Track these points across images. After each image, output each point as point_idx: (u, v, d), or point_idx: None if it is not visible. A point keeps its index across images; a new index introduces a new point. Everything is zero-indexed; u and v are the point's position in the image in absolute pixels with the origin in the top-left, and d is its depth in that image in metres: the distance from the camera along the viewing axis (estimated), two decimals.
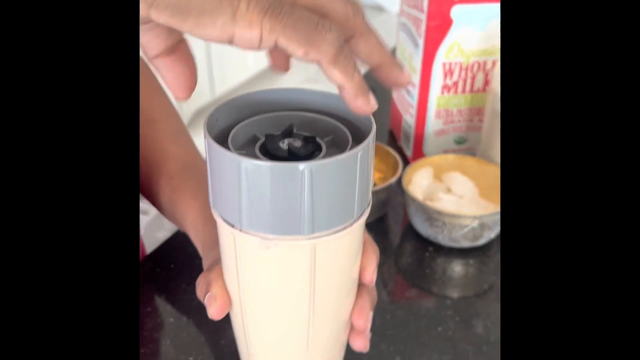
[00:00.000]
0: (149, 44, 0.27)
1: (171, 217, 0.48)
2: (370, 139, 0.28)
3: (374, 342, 0.43)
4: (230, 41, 0.24)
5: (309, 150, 0.28)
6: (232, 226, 0.29)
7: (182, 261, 0.52)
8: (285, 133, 0.30)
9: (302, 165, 0.25)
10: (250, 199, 0.27)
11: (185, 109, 1.83)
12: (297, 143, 0.29)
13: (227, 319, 0.36)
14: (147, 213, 1.64)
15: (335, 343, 0.35)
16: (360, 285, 0.34)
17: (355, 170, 0.27)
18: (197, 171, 0.48)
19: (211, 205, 0.31)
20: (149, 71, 0.55)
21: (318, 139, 0.29)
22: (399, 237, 0.57)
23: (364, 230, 0.33)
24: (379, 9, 3.19)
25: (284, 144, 0.28)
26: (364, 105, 0.27)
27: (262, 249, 0.29)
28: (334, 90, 0.28)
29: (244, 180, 0.26)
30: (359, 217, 0.30)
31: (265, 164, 0.26)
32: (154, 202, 0.50)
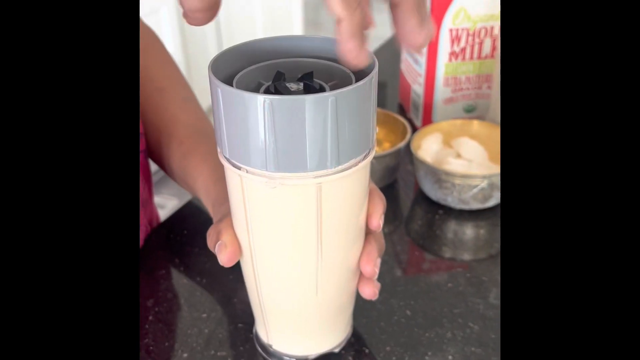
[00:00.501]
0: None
1: (182, 182, 0.48)
2: (372, 75, 0.28)
3: (383, 297, 0.44)
4: None
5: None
6: (239, 168, 0.29)
7: (195, 227, 0.53)
8: (289, 78, 0.30)
9: (306, 98, 0.26)
10: (254, 136, 0.27)
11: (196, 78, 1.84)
12: (300, 86, 0.29)
13: (239, 279, 0.36)
14: (164, 207, 1.66)
15: (345, 289, 0.35)
16: (368, 232, 0.35)
17: (355, 107, 0.27)
18: (206, 135, 0.48)
19: (218, 149, 0.31)
20: (160, 43, 0.55)
21: (321, 82, 0.30)
22: (409, 203, 0.57)
23: (369, 177, 0.33)
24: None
25: (285, 86, 0.29)
26: (355, 49, 0.25)
27: (269, 188, 0.29)
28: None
29: (250, 117, 0.27)
30: (363, 159, 0.30)
31: (268, 98, 0.26)
32: (165, 167, 0.51)
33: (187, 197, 0.57)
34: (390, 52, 0.90)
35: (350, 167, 0.29)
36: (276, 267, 0.33)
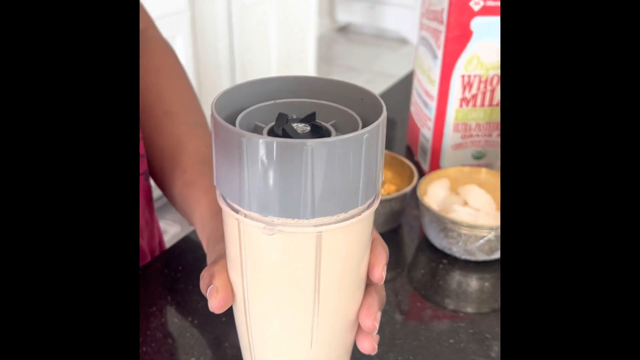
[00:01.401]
0: None
1: (181, 210, 0.47)
2: (380, 121, 0.27)
3: (382, 350, 0.42)
4: None
5: (319, 135, 0.28)
6: (237, 212, 0.28)
7: (192, 264, 0.51)
8: (294, 119, 0.29)
9: (308, 142, 0.25)
10: (254, 179, 0.26)
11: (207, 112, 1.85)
12: (307, 128, 0.28)
13: (231, 322, 0.35)
14: (166, 233, 1.65)
15: (341, 342, 0.34)
16: (369, 284, 0.33)
17: (361, 153, 0.26)
18: (211, 165, 0.47)
19: (216, 189, 0.30)
20: (175, 60, 0.55)
21: (326, 124, 0.29)
22: (413, 249, 0.56)
23: (373, 226, 0.32)
24: (403, 41, 3.21)
25: (292, 128, 0.28)
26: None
27: (266, 234, 0.28)
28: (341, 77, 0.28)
29: (248, 157, 0.26)
30: (367, 207, 0.29)
31: (270, 140, 0.25)
32: (167, 193, 0.50)
33: (189, 226, 0.56)
34: (400, 92, 0.89)
35: (353, 216, 0.28)
36: (270, 315, 0.32)
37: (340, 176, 0.26)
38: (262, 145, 0.25)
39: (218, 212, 0.42)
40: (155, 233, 0.57)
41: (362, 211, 0.28)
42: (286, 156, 0.25)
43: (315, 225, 0.27)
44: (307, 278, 0.29)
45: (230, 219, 0.29)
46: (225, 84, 1.96)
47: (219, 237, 0.38)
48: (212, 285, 0.33)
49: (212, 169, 0.47)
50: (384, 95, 0.89)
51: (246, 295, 0.31)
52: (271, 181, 0.26)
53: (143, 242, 0.52)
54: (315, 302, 0.30)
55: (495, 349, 0.43)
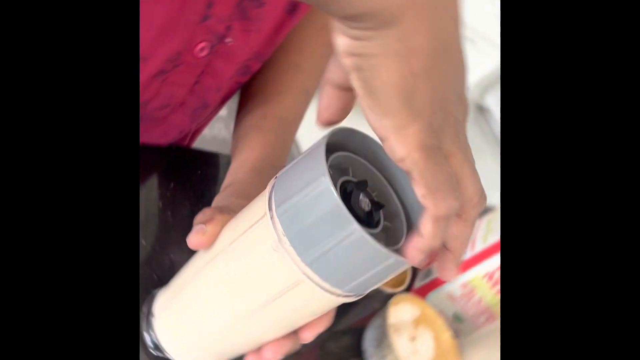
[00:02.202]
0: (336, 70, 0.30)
1: (234, 139, 0.50)
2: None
3: None
4: (381, 138, 0.27)
5: (376, 218, 0.32)
6: (271, 217, 0.31)
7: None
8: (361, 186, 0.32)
9: (391, 257, 0.29)
10: (317, 234, 0.30)
11: None
12: (368, 206, 0.32)
13: None
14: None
15: (244, 347, 0.37)
16: (293, 336, 0.36)
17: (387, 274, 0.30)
18: (286, 134, 0.50)
19: (271, 188, 0.33)
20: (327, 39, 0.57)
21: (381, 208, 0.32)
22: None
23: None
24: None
25: (362, 203, 0.31)
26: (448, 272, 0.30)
27: (272, 247, 0.31)
28: None
29: (330, 226, 0.29)
30: (344, 297, 0.32)
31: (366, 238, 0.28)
32: (238, 117, 0.53)
33: None
34: None
35: (334, 294, 0.32)
36: (213, 289, 0.35)
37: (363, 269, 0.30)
38: (349, 231, 0.28)
39: (260, 171, 0.45)
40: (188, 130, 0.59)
41: (340, 296, 0.32)
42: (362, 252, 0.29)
43: (305, 273, 0.31)
44: (262, 296, 0.33)
45: (261, 210, 0.33)
46: None
47: (242, 192, 0.42)
48: (203, 226, 0.36)
49: (283, 137, 0.50)
50: None
51: (214, 261, 0.35)
52: (331, 253, 0.29)
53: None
54: (253, 311, 0.34)
55: None
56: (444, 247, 0.31)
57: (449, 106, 0.27)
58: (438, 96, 0.26)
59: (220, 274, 0.35)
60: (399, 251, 0.31)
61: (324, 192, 0.29)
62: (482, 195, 0.29)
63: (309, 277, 0.31)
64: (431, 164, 0.26)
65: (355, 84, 0.26)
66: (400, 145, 0.26)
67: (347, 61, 0.26)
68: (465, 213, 0.29)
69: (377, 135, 0.27)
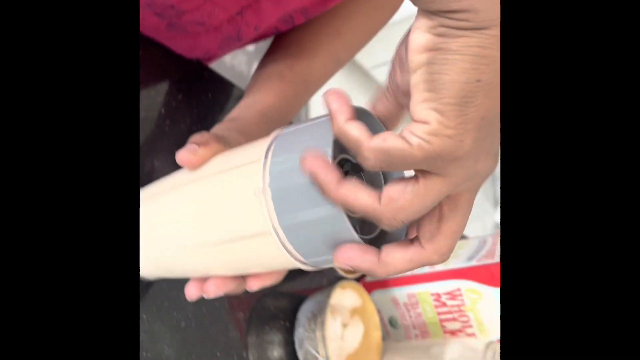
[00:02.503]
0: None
1: (253, 78, 0.50)
2: None
3: None
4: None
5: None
6: (263, 167, 0.32)
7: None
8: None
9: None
10: (300, 202, 0.30)
11: None
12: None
13: None
14: None
15: (191, 273, 0.38)
16: (239, 279, 0.37)
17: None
18: (305, 92, 0.50)
19: (277, 133, 0.33)
20: (373, 16, 0.56)
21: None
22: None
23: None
24: None
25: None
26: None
27: (255, 193, 0.32)
28: None
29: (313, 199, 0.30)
30: (304, 263, 0.33)
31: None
32: (267, 56, 0.53)
33: None
34: None
35: (297, 261, 0.32)
36: (186, 208, 0.36)
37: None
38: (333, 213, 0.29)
39: (267, 118, 0.45)
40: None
41: (299, 261, 0.33)
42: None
43: (275, 229, 0.31)
44: (226, 232, 0.33)
45: (257, 155, 0.33)
46: None
47: (243, 130, 0.42)
48: (196, 147, 0.36)
49: (302, 93, 0.50)
50: None
51: (193, 184, 0.36)
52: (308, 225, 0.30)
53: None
54: (209, 244, 0.34)
55: None
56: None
57: (489, 142, 0.27)
58: (487, 119, 0.26)
59: (196, 198, 0.36)
60: (370, 242, 0.31)
61: None
62: (445, 256, 0.30)
63: (276, 233, 0.32)
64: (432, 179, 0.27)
65: (418, 78, 0.26)
66: (429, 131, 0.26)
67: (421, 57, 0.26)
68: (419, 256, 0.30)
69: (417, 120, 0.27)
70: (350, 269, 0.31)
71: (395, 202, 0.28)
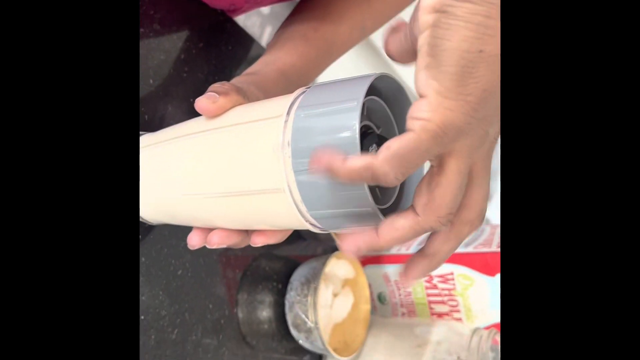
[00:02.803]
0: None
1: (277, 34, 0.49)
2: None
3: None
4: (420, 95, 0.27)
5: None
6: (285, 122, 0.31)
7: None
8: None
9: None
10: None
11: None
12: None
13: None
14: None
15: (197, 222, 0.38)
16: (244, 234, 0.37)
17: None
18: (327, 56, 0.50)
19: (299, 92, 0.33)
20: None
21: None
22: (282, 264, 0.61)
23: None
24: None
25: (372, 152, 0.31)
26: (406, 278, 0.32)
27: (276, 152, 0.31)
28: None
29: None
30: (313, 225, 0.33)
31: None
32: (292, 15, 0.52)
33: None
34: None
35: (308, 223, 0.32)
36: (203, 156, 0.35)
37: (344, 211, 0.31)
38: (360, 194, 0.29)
39: (287, 77, 0.44)
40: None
41: (308, 222, 0.33)
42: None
43: (289, 186, 0.31)
44: (238, 185, 0.33)
45: (279, 110, 0.32)
46: None
47: (262, 86, 0.42)
48: (216, 96, 0.35)
49: (323, 58, 0.49)
50: None
51: (209, 133, 0.35)
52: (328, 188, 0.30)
53: None
54: (220, 195, 0.34)
55: None
56: (422, 251, 0.31)
57: (492, 112, 0.27)
58: (489, 92, 0.26)
59: (211, 147, 0.35)
60: (382, 211, 0.31)
61: (348, 127, 0.29)
62: (481, 217, 0.30)
63: (290, 192, 0.31)
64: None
65: (423, 41, 0.26)
66: (428, 108, 0.26)
67: (429, 17, 0.25)
68: (456, 228, 0.30)
69: (418, 93, 0.27)
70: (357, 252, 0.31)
71: (433, 201, 0.28)
